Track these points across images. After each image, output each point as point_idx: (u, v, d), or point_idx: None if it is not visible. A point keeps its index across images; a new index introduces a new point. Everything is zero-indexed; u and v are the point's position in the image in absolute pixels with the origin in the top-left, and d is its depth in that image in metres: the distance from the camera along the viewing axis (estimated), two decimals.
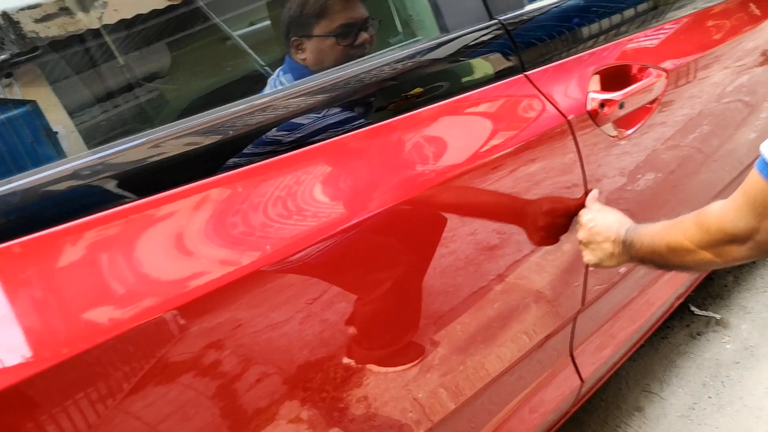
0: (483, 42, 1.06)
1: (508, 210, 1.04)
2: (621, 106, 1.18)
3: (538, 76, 1.12)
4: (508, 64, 1.08)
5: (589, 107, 1.15)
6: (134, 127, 1.15)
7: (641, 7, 1.34)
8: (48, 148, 0.94)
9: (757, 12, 1.64)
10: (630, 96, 1.21)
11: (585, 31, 1.20)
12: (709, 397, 1.78)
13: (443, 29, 1.04)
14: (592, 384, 1.49)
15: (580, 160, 1.14)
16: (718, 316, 2.04)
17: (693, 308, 2.09)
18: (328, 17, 1.17)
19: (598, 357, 1.42)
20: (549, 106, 1.10)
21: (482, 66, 1.05)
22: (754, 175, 0.78)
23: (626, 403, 1.81)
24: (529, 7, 1.15)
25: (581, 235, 1.09)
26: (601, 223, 1.06)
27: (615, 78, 1.24)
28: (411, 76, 0.97)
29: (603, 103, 1.16)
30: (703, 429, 1.69)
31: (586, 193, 1.15)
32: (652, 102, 1.29)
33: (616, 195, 1.26)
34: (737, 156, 1.70)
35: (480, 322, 1.05)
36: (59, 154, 0.96)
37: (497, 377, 1.12)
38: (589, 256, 1.09)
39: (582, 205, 1.14)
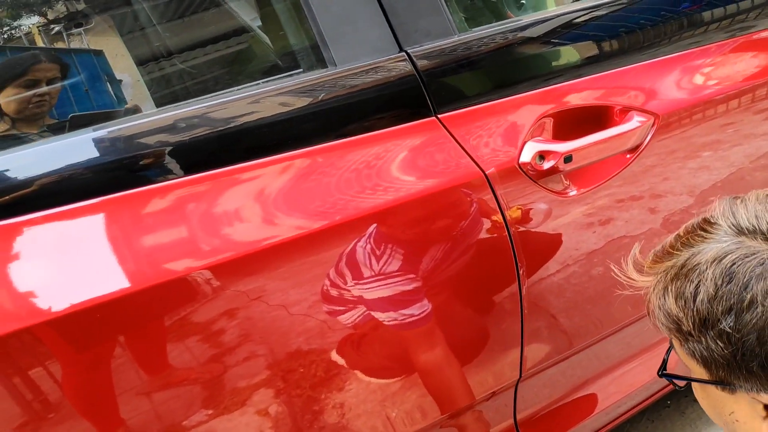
0: (377, 79, 0.89)
1: None
2: (567, 159, 0.96)
3: (457, 120, 0.93)
4: (412, 105, 0.91)
5: (523, 159, 0.94)
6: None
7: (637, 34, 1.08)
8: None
9: None
10: (586, 148, 0.98)
11: (534, 64, 0.98)
12: None
13: (330, 62, 0.89)
14: None
15: (507, 229, 0.94)
16: None
17: None
18: None
19: None
20: (465, 158, 0.92)
21: (369, 107, 0.89)
22: None
23: None
24: (457, 37, 0.95)
25: None
26: None
27: (585, 122, 1.01)
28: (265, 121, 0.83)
29: (542, 155, 0.95)
30: None
31: (519, 277, 0.96)
32: (633, 150, 1.04)
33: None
34: None
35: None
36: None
37: None
38: None
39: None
